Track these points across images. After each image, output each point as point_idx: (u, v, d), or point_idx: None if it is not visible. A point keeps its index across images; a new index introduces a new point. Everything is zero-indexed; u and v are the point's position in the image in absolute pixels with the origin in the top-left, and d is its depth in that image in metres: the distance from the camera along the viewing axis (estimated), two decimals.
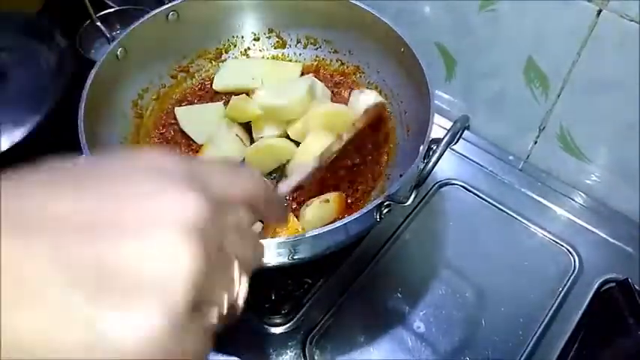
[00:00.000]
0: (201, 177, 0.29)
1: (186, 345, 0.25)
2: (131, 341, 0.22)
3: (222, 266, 0.28)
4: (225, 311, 0.29)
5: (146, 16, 0.74)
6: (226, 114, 0.78)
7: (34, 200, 0.24)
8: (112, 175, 0.26)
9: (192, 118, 0.80)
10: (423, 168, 0.56)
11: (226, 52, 0.86)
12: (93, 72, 0.67)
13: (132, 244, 0.24)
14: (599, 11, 0.65)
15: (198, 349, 0.26)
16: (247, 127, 0.78)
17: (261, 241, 0.34)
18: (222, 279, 0.28)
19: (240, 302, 0.30)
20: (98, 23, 0.89)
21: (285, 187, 0.52)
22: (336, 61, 0.85)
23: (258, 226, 0.34)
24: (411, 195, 0.57)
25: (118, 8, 1.03)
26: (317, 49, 0.85)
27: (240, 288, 0.30)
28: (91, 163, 0.29)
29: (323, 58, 0.85)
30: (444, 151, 0.55)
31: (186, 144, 0.79)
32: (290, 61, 0.86)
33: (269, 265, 0.60)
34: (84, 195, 0.25)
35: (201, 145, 0.78)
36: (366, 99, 0.78)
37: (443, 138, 0.56)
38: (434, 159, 0.55)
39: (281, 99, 0.76)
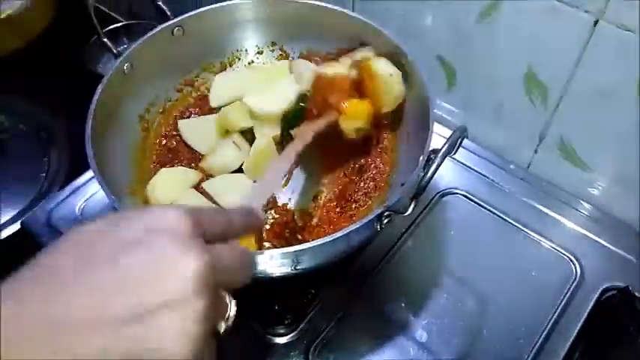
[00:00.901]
0: (201, 225, 0.34)
1: None
2: None
3: (218, 299, 0.34)
4: (222, 331, 0.36)
5: (152, 32, 0.76)
6: (218, 125, 0.80)
7: (33, 304, 0.27)
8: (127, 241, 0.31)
9: (194, 130, 0.82)
10: (422, 178, 0.56)
11: (230, 66, 0.87)
12: (100, 87, 0.68)
13: (135, 329, 0.28)
14: (596, 21, 0.66)
15: None
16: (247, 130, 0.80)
17: (247, 260, 0.39)
18: (219, 308, 0.34)
19: (231, 322, 0.37)
20: (105, 39, 0.91)
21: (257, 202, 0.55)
22: None
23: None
24: (410, 205, 0.58)
25: (124, 23, 1.05)
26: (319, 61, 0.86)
27: (231, 309, 0.37)
28: (87, 244, 0.31)
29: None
30: (442, 162, 0.56)
31: (189, 153, 0.81)
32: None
33: (272, 275, 0.61)
34: (80, 288, 0.29)
35: (203, 155, 0.80)
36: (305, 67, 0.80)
37: (441, 148, 0.57)
38: (432, 169, 0.56)
39: (272, 105, 0.77)
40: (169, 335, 0.29)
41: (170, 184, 0.74)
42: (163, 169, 0.76)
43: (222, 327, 0.36)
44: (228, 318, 0.36)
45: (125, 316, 0.28)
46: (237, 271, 0.37)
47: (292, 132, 0.74)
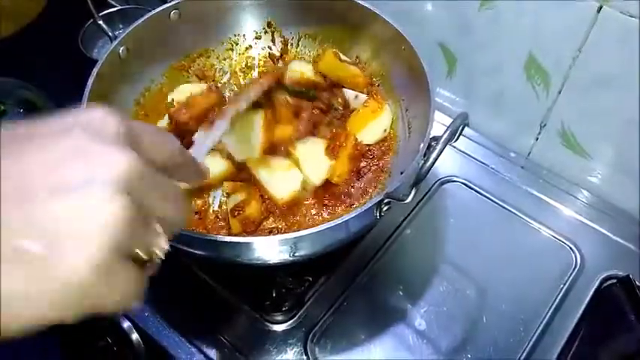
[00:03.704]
0: (133, 137, 0.31)
1: (115, 285, 0.28)
2: (59, 286, 0.26)
3: (144, 221, 0.30)
4: (148, 258, 0.32)
5: (148, 15, 0.74)
6: None
7: None
8: (46, 137, 0.29)
9: None
10: (422, 165, 0.56)
11: (229, 51, 0.86)
12: (94, 71, 0.67)
13: (59, 204, 0.27)
14: (600, 7, 0.65)
15: (128, 290, 0.29)
16: None
17: (182, 203, 0.35)
18: (143, 233, 0.31)
19: (161, 255, 0.32)
20: (100, 22, 0.90)
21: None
22: None
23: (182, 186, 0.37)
24: (410, 192, 0.57)
25: (120, 7, 1.03)
26: (317, 46, 0.85)
27: (160, 242, 0.32)
28: (27, 127, 0.30)
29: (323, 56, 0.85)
30: (443, 149, 0.55)
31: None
32: (294, 57, 0.86)
33: (270, 262, 0.61)
34: (16, 160, 0.27)
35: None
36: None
37: (442, 135, 0.56)
38: (433, 156, 0.55)
39: (249, 151, 0.75)
40: (72, 237, 0.26)
41: None
42: None
43: (147, 258, 0.31)
44: (156, 251, 0.32)
45: (55, 189, 0.27)
46: (169, 200, 0.32)
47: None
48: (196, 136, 0.64)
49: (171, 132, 0.73)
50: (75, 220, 0.27)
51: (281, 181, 0.72)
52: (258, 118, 0.75)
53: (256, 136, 0.74)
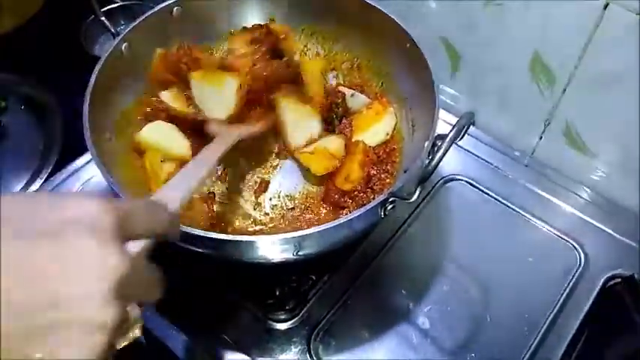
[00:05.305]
0: (125, 225, 0.32)
1: None
2: None
3: (127, 315, 0.32)
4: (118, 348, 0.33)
5: (151, 11, 0.74)
6: None
7: None
8: (43, 237, 0.29)
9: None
10: (428, 164, 0.55)
11: None
12: (97, 67, 0.66)
13: (56, 319, 0.28)
14: (606, 5, 0.65)
15: None
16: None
17: (160, 286, 0.36)
18: (125, 324, 0.32)
19: (130, 340, 0.36)
20: (103, 18, 0.89)
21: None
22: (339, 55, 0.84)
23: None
24: (415, 191, 0.57)
25: (121, 4, 1.03)
26: (320, 43, 0.85)
27: (135, 329, 0.36)
28: (25, 211, 0.30)
29: (326, 53, 0.85)
30: (449, 148, 0.55)
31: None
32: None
33: (274, 260, 0.60)
34: (17, 272, 0.28)
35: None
36: None
37: (448, 134, 0.56)
38: (439, 155, 0.55)
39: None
40: (70, 339, 0.28)
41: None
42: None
43: (120, 344, 0.34)
44: (128, 336, 0.34)
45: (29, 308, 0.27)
46: (150, 285, 0.34)
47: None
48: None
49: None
50: (71, 331, 0.28)
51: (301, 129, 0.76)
52: (232, 82, 0.72)
53: (227, 99, 0.72)
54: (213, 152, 0.60)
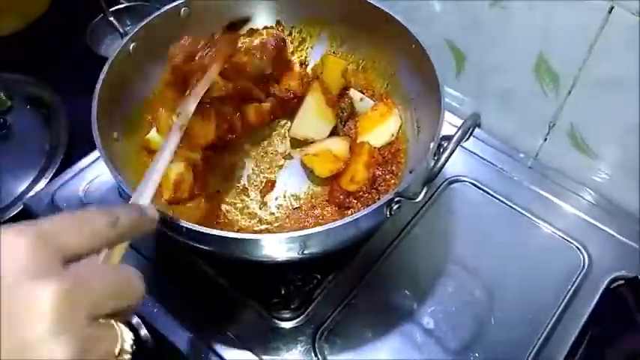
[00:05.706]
0: (53, 247, 0.30)
1: None
2: None
3: (98, 332, 0.30)
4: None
5: (159, 11, 0.74)
6: None
7: None
8: None
9: None
10: (434, 165, 0.56)
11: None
12: (106, 68, 0.67)
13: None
14: (612, 8, 0.65)
15: None
16: None
17: (135, 283, 0.34)
18: (103, 341, 0.30)
19: (128, 348, 0.32)
20: (111, 18, 0.90)
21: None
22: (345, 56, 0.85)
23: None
24: (421, 192, 0.58)
25: (127, 4, 1.03)
26: (326, 44, 0.85)
27: (125, 340, 0.32)
28: None
29: (332, 54, 0.85)
30: (455, 149, 0.56)
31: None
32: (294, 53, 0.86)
33: (279, 259, 0.61)
34: None
35: None
36: None
37: (454, 135, 0.56)
38: (445, 156, 0.55)
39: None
40: None
41: None
42: None
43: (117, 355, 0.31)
44: (121, 351, 0.31)
45: None
46: (115, 293, 0.32)
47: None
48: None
49: (172, 84, 0.74)
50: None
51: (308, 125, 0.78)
52: None
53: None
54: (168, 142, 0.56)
